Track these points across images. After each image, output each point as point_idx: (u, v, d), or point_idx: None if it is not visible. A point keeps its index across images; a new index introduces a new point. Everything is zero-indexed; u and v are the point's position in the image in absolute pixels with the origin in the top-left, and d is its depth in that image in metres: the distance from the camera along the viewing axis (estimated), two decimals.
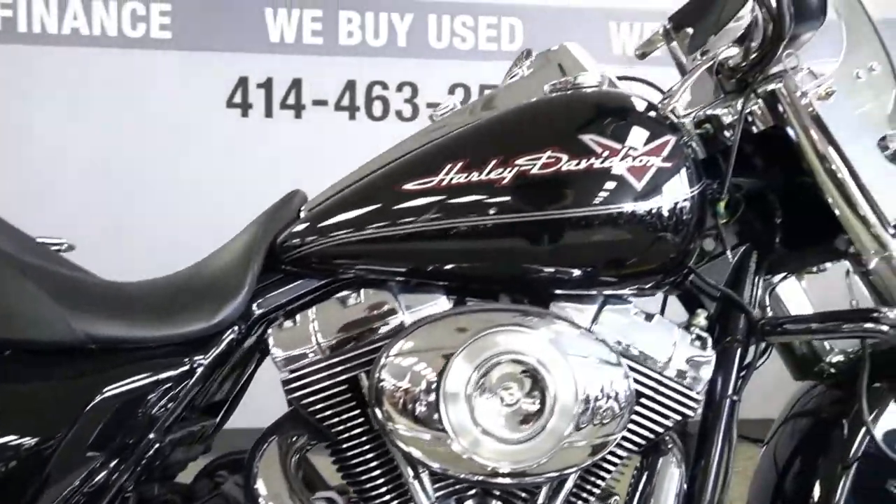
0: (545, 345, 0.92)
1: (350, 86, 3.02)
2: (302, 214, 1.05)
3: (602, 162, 0.93)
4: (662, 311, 1.14)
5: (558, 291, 1.01)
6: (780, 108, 1.04)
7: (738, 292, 1.11)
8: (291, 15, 2.98)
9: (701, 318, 1.08)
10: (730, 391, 1.07)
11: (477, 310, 0.97)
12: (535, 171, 0.93)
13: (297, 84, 2.99)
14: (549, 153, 0.93)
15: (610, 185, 0.94)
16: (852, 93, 1.03)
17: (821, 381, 1.21)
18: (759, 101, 1.06)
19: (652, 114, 1.01)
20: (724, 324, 1.10)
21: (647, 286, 1.04)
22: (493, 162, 0.94)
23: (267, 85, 2.98)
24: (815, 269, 1.21)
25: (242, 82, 2.98)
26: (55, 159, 2.84)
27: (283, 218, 1.04)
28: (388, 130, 3.08)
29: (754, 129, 1.07)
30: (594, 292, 1.02)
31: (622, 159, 0.94)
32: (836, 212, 1.03)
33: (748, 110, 1.05)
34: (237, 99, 2.98)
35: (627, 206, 0.95)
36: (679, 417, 1.01)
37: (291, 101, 3.01)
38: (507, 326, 0.93)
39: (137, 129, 2.90)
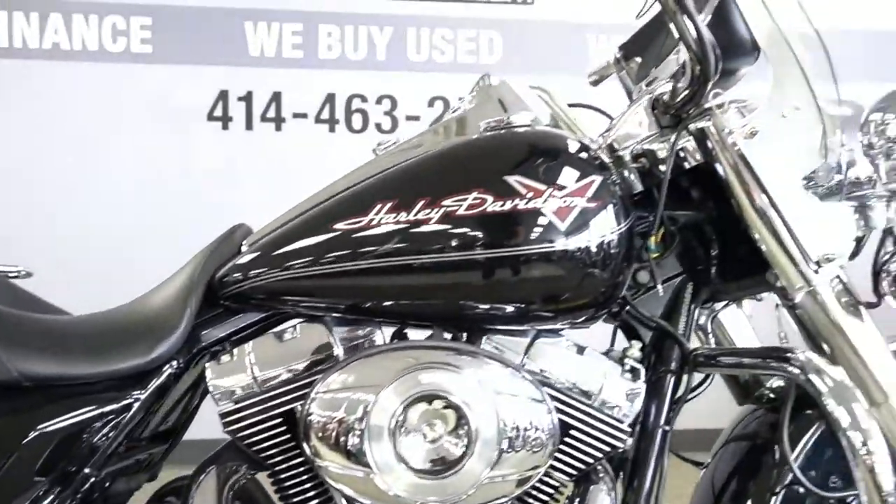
0: (470, 384, 0.94)
1: (330, 99, 3.05)
2: (243, 249, 1.08)
3: (526, 203, 0.96)
4: (612, 342, 1.17)
5: (492, 326, 1.03)
6: (710, 145, 1.06)
7: (674, 322, 1.13)
8: (271, 28, 3.01)
9: (635, 350, 1.10)
10: (662, 421, 1.09)
11: (407, 347, 0.99)
12: (461, 211, 0.96)
13: (277, 97, 3.03)
14: (475, 194, 0.96)
15: (534, 225, 0.96)
16: (779, 132, 1.05)
17: (761, 406, 1.23)
18: (690, 137, 1.08)
19: (582, 154, 1.03)
20: (659, 354, 1.13)
21: (580, 320, 1.07)
22: (421, 203, 0.96)
23: (247, 98, 3.01)
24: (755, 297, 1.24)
25: (223, 95, 3.01)
26: (32, 172, 2.87)
27: (224, 253, 1.06)
28: (367, 143, 3.10)
29: (686, 165, 1.10)
30: (527, 327, 1.04)
31: (546, 200, 0.96)
32: (763, 247, 1.05)
33: (679, 146, 1.08)
34: (218, 112, 3.01)
35: (553, 246, 0.97)
36: (608, 448, 1.03)
37: (272, 114, 3.04)
38: (436, 365, 0.95)
39: (118, 142, 2.93)
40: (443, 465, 0.92)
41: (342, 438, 0.93)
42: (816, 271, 1.03)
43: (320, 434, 0.94)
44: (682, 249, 1.15)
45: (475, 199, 0.96)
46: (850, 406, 0.91)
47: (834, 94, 1.10)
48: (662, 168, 1.09)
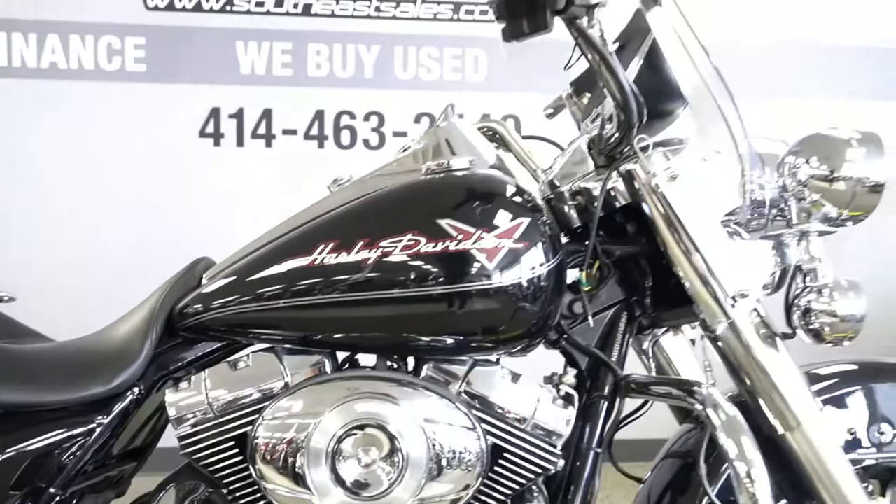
0: (405, 414, 1.02)
1: (319, 115, 3.13)
2: (203, 282, 1.15)
3: (457, 245, 1.03)
4: (565, 368, 1.23)
5: (432, 356, 1.11)
6: (636, 186, 1.14)
7: (609, 350, 1.20)
8: (262, 48, 3.10)
9: (569, 377, 1.17)
10: (594, 444, 1.17)
11: (351, 377, 1.07)
12: (397, 252, 1.03)
13: (267, 114, 3.11)
14: (409, 236, 1.03)
15: (465, 265, 1.03)
16: (700, 175, 1.13)
17: (697, 425, 1.30)
18: (620, 178, 1.15)
19: (514, 197, 1.10)
20: (594, 380, 1.20)
21: (516, 349, 1.14)
22: (361, 244, 1.04)
23: (238, 115, 3.10)
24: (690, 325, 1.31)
25: (214, 113, 3.09)
26: (27, 187, 2.97)
27: (185, 285, 1.14)
28: (355, 159, 3.20)
29: (617, 204, 1.17)
30: (466, 357, 1.12)
31: (475, 242, 1.03)
32: (686, 283, 1.13)
33: (609, 186, 1.15)
34: (210, 129, 3.10)
35: (482, 283, 1.04)
36: (540, 470, 1.11)
37: (262, 130, 3.13)
38: (374, 395, 1.03)
39: (113, 159, 3.02)
40: (376, 489, 1.00)
41: (285, 462, 1.01)
42: (733, 305, 1.10)
43: (266, 458, 1.02)
44: (619, 280, 1.22)
45: (410, 240, 1.03)
46: (738, 438, 0.98)
47: (762, 134, 1.18)
48: (597, 205, 1.16)
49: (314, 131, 3.14)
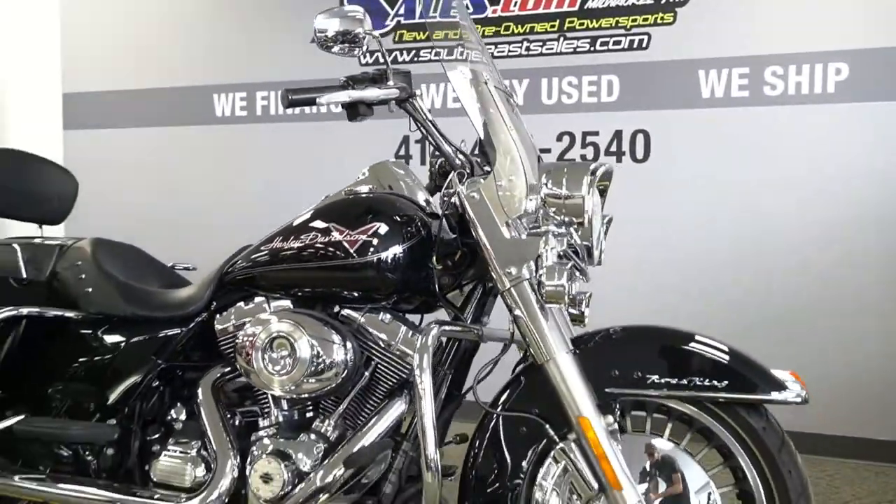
0: (304, 334, 1.77)
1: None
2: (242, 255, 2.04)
3: (335, 238, 1.78)
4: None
5: (344, 305, 1.87)
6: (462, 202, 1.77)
7: (464, 309, 1.85)
8: (440, 87, 3.98)
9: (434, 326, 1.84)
10: (446, 366, 1.83)
11: (293, 312, 1.86)
12: (308, 242, 1.81)
13: None
14: (314, 233, 1.81)
15: (339, 250, 1.76)
16: (495, 194, 1.72)
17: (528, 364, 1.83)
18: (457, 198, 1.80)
19: (386, 210, 1.80)
20: None
21: (397, 304, 1.84)
22: (293, 237, 1.84)
23: (421, 141, 4.02)
24: None
25: (405, 140, 4.05)
26: (278, 205, 4.22)
27: (231, 260, 2.05)
28: None
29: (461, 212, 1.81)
30: (362, 306, 1.86)
31: (344, 236, 1.77)
32: (489, 265, 1.73)
33: (451, 201, 1.80)
34: (402, 152, 4.06)
35: (350, 260, 1.76)
36: (399, 377, 1.80)
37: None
38: (295, 323, 1.81)
39: (332, 178, 4.14)
40: (282, 370, 1.79)
41: (247, 352, 1.83)
42: (508, 277, 1.67)
43: (241, 350, 1.85)
44: (475, 262, 1.86)
45: (314, 235, 1.81)
46: (421, 375, 1.60)
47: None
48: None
49: (476, 151, 3.92)
